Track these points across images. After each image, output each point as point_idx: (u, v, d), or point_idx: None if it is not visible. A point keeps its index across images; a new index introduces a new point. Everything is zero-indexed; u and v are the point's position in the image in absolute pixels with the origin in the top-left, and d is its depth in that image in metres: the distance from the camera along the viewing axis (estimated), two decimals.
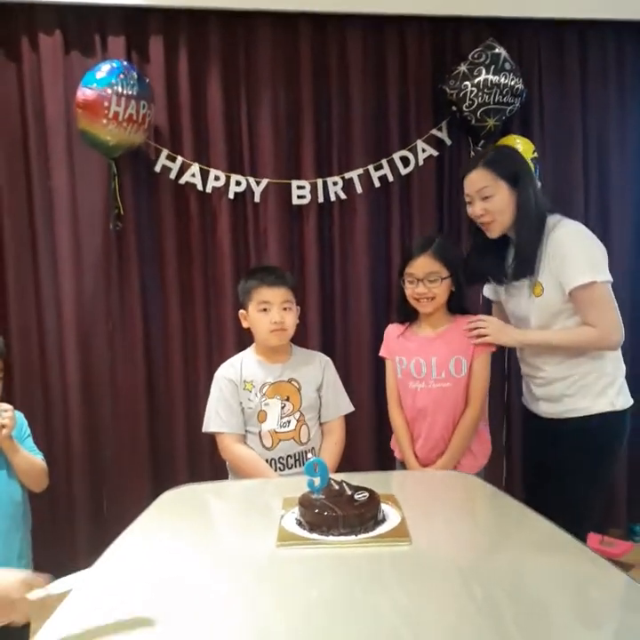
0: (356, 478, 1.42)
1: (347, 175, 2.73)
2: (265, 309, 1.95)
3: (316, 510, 1.29)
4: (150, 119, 2.52)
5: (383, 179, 2.76)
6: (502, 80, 2.60)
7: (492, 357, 2.01)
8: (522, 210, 1.90)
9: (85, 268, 2.65)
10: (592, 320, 1.82)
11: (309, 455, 1.83)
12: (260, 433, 1.94)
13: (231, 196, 2.67)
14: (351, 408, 2.09)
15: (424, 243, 1.97)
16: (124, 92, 2.38)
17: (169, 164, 2.63)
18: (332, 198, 2.73)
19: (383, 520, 1.32)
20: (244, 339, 2.12)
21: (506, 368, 2.87)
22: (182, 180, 2.65)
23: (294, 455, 1.95)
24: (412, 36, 2.76)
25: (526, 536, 1.35)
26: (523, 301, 1.95)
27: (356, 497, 1.32)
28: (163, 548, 1.16)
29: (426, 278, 1.93)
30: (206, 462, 2.64)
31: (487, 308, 2.24)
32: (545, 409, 1.99)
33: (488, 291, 2.16)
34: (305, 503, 1.32)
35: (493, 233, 1.95)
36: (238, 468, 1.94)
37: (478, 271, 2.05)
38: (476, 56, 2.63)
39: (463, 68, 2.63)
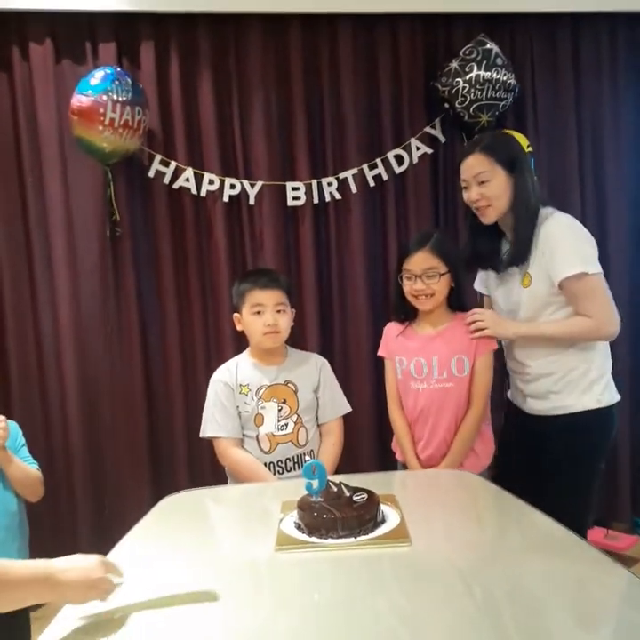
0: (355, 479, 1.41)
1: (341, 175, 2.72)
2: (258, 312, 1.94)
3: (315, 513, 1.28)
4: (145, 125, 2.51)
5: (378, 178, 2.75)
6: (494, 76, 2.59)
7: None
8: (519, 195, 1.89)
9: (81, 275, 2.64)
10: (587, 310, 1.81)
11: (307, 458, 1.82)
12: (257, 437, 1.93)
13: (226, 199, 2.66)
14: (349, 408, 2.08)
15: (421, 238, 1.93)
16: (120, 98, 2.38)
17: (162, 168, 2.63)
18: (327, 199, 2.72)
19: (383, 521, 1.31)
20: (242, 342, 2.12)
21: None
22: (176, 185, 2.64)
23: (293, 458, 1.94)
24: (404, 34, 2.75)
25: (527, 535, 1.34)
26: (513, 292, 1.94)
27: (354, 499, 1.32)
28: (162, 554, 1.16)
29: (424, 274, 1.89)
30: (207, 467, 2.63)
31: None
32: (531, 406, 1.97)
33: (479, 284, 2.14)
34: (303, 506, 1.31)
35: (488, 218, 1.94)
36: (236, 472, 1.93)
37: (476, 255, 2.03)
38: (467, 52, 2.62)
39: (455, 64, 2.62)
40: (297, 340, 2.37)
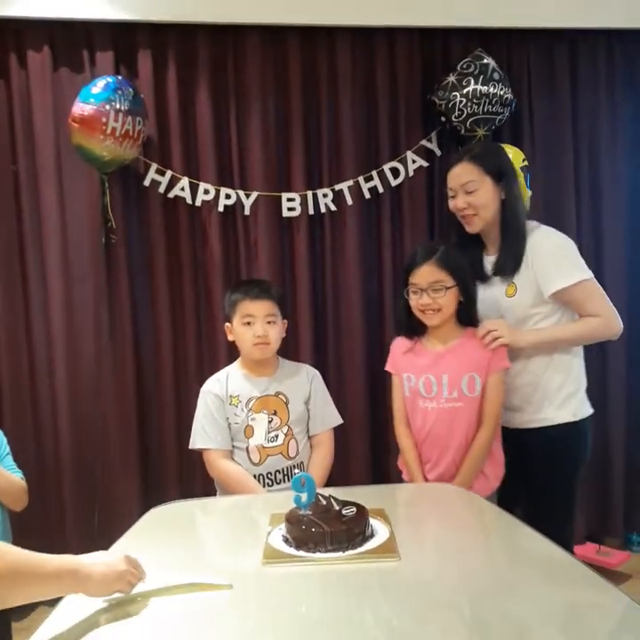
0: (344, 492, 1.40)
1: (337, 187, 2.72)
2: (248, 323, 1.93)
3: (303, 526, 1.26)
4: (144, 135, 2.52)
5: (373, 190, 2.75)
6: (491, 90, 2.60)
7: None
8: (507, 206, 1.91)
9: (75, 282, 2.63)
10: (593, 311, 1.86)
11: (297, 471, 1.80)
12: (247, 448, 1.91)
13: (221, 209, 2.66)
14: (340, 420, 2.06)
15: (428, 250, 1.86)
16: (122, 107, 2.38)
17: (158, 177, 2.62)
18: (323, 210, 2.72)
19: (372, 535, 1.30)
20: (235, 352, 2.10)
21: None
22: (171, 194, 2.64)
23: (282, 470, 1.92)
24: (401, 48, 2.76)
25: (518, 552, 1.32)
26: (495, 301, 1.95)
27: (343, 512, 1.30)
28: (148, 565, 1.14)
29: (430, 288, 1.82)
30: (198, 477, 2.60)
31: None
32: (508, 418, 1.97)
33: None
34: (292, 519, 1.30)
35: (474, 227, 1.95)
36: (225, 484, 1.91)
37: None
38: (464, 66, 2.63)
39: (452, 78, 2.63)
40: (290, 351, 2.36)
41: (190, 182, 2.64)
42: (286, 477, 1.92)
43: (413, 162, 2.76)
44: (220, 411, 1.93)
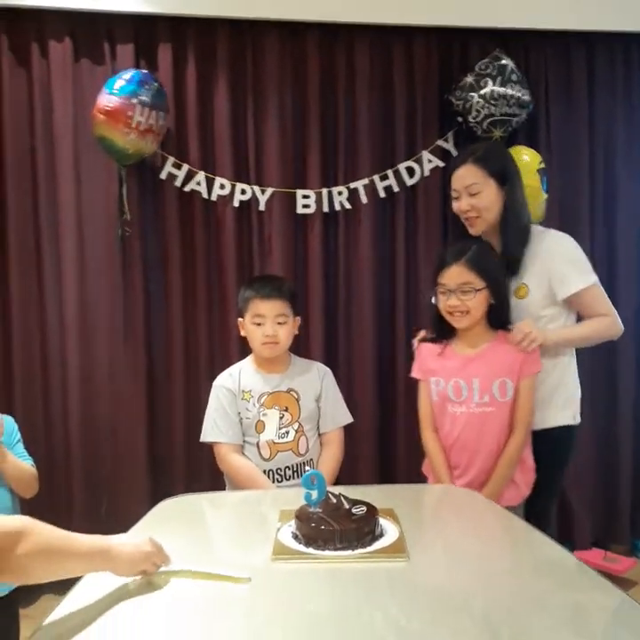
0: (354, 491, 1.40)
1: (352, 185, 2.72)
2: (259, 323, 1.94)
3: (313, 524, 1.27)
4: (164, 129, 2.52)
5: (388, 189, 2.75)
6: (509, 91, 2.59)
7: None
8: (510, 208, 1.91)
9: (89, 274, 2.64)
10: (604, 310, 1.91)
11: (307, 468, 1.81)
12: (257, 443, 1.93)
13: (236, 204, 2.67)
14: (350, 419, 2.07)
15: (458, 251, 1.82)
16: (147, 102, 2.39)
17: (175, 171, 2.63)
18: (337, 208, 2.72)
19: (381, 535, 1.30)
20: (247, 347, 2.11)
21: None
22: (188, 188, 2.65)
23: (292, 466, 1.93)
24: (420, 47, 2.75)
25: (527, 555, 1.33)
26: None
27: (353, 511, 1.31)
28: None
29: (458, 289, 1.77)
30: (205, 471, 2.61)
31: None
32: None
33: None
34: (301, 516, 1.31)
35: (476, 229, 1.95)
36: (235, 478, 1.93)
37: None
38: (482, 67, 2.62)
39: (470, 79, 2.62)
40: (301, 348, 2.36)
41: (206, 177, 2.64)
42: (296, 474, 1.93)
43: (429, 162, 2.76)
44: (232, 405, 1.95)
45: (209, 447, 2.04)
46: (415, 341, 2.01)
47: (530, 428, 1.85)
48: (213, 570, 1.15)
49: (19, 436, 1.77)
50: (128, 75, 2.39)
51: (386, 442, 2.81)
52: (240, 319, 2.03)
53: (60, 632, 0.98)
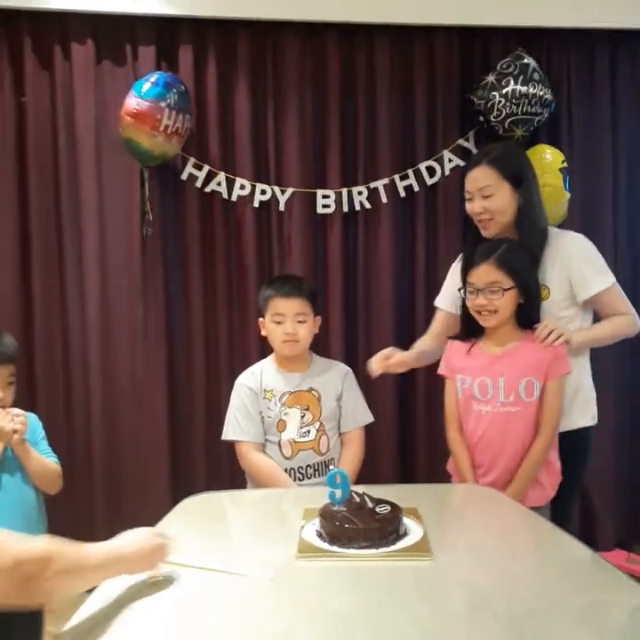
0: (377, 491, 1.40)
1: (372, 185, 2.72)
2: (279, 322, 1.95)
3: (337, 522, 1.27)
4: (188, 131, 2.54)
5: (409, 189, 2.74)
6: (531, 90, 2.57)
7: None
8: (526, 211, 1.89)
9: (110, 274, 2.67)
10: (624, 309, 1.92)
11: (331, 467, 1.81)
12: (279, 442, 1.93)
13: (256, 204, 2.68)
14: (371, 418, 2.07)
15: (487, 249, 1.80)
16: (175, 105, 2.41)
17: (195, 172, 2.65)
18: (357, 208, 2.73)
19: (405, 534, 1.30)
20: (266, 346, 2.12)
21: None
22: (208, 189, 2.66)
23: (313, 465, 1.94)
24: (441, 47, 2.75)
25: (552, 555, 1.32)
26: None
27: (377, 510, 1.31)
28: (183, 554, 1.17)
29: (486, 288, 1.75)
30: (225, 469, 2.63)
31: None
32: None
33: (446, 301, 2.07)
34: (325, 515, 1.31)
35: (489, 232, 1.93)
36: (257, 476, 1.94)
37: None
38: (504, 66, 2.61)
39: (491, 78, 2.61)
40: (321, 347, 2.37)
41: (227, 177, 2.66)
42: (317, 473, 1.93)
43: (450, 161, 2.75)
44: (254, 404, 1.96)
45: (229, 446, 2.05)
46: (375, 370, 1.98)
47: (556, 430, 1.83)
48: (236, 570, 1.15)
49: (43, 433, 1.80)
50: (154, 77, 2.41)
51: (406, 441, 2.81)
52: (260, 319, 2.04)
53: (86, 628, 0.99)
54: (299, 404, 1.94)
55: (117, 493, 2.69)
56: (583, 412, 1.96)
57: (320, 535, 1.30)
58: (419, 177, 2.74)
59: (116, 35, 2.60)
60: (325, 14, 2.64)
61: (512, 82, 2.58)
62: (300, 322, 1.96)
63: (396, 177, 2.73)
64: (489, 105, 2.60)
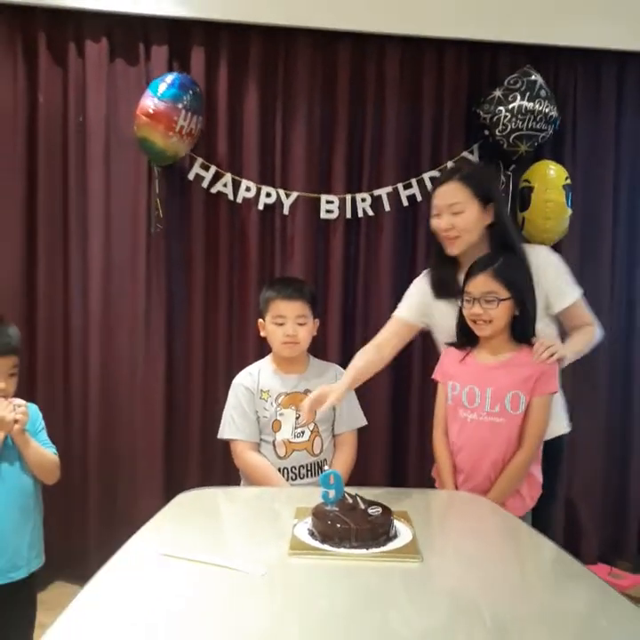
0: (369, 493, 1.43)
1: (376, 192, 2.76)
2: (280, 324, 1.98)
3: (329, 522, 1.30)
4: (199, 132, 2.58)
5: (412, 198, 2.78)
6: (537, 107, 2.61)
7: None
8: (499, 230, 1.90)
9: (114, 271, 2.69)
10: (590, 320, 1.96)
11: (326, 467, 1.84)
12: (274, 442, 1.96)
13: (261, 206, 2.71)
14: (364, 422, 2.10)
15: (486, 260, 1.81)
16: (191, 106, 2.44)
17: (202, 172, 2.68)
18: (360, 214, 2.76)
19: (395, 536, 1.32)
20: (264, 348, 2.15)
21: None
22: (214, 189, 2.69)
23: (306, 466, 1.97)
24: (450, 60, 2.79)
25: (537, 561, 1.35)
26: None
27: (369, 511, 1.33)
28: (176, 549, 1.19)
29: (482, 298, 1.77)
30: (218, 467, 2.66)
31: None
32: None
33: (406, 312, 2.05)
34: (318, 514, 1.33)
35: (454, 249, 1.91)
36: (251, 475, 1.96)
37: (439, 284, 1.99)
38: (511, 82, 2.65)
39: (498, 93, 2.65)
40: (318, 350, 2.39)
41: (233, 179, 2.69)
42: (310, 473, 1.96)
43: None
44: (251, 404, 1.99)
45: (223, 444, 2.08)
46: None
47: (539, 445, 1.84)
48: (228, 564, 1.17)
49: (42, 424, 1.82)
50: (170, 78, 2.44)
51: (398, 446, 2.83)
52: (260, 320, 2.07)
53: (80, 624, 1.00)
54: (294, 404, 1.97)
55: (112, 485, 2.71)
56: (561, 419, 1.98)
57: (312, 534, 1.32)
58: (422, 186, 2.77)
59: (130, 34, 2.64)
60: (337, 23, 2.67)
61: (519, 97, 2.62)
62: (300, 324, 1.99)
63: (400, 185, 2.76)
64: (494, 119, 2.63)
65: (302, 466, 1.97)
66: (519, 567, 1.32)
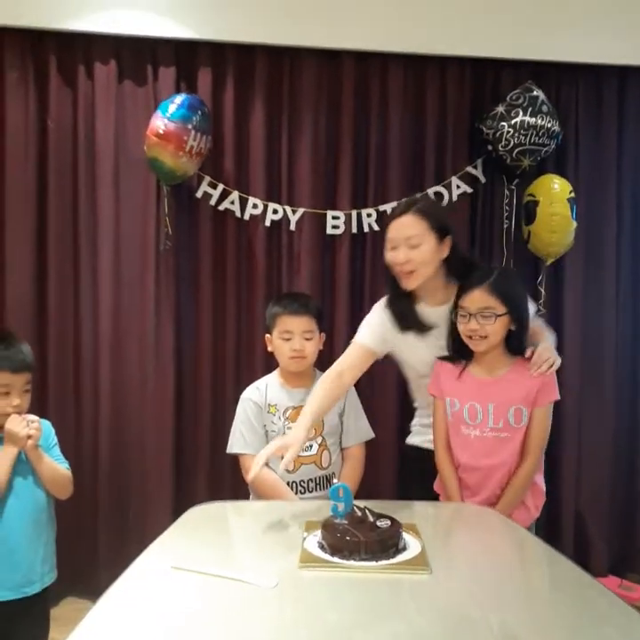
0: (378, 506, 1.44)
1: (381, 207, 2.79)
2: (287, 339, 2.00)
3: (339, 534, 1.31)
4: (207, 152, 2.62)
5: None
6: (539, 122, 2.64)
7: None
8: (455, 262, 1.88)
9: (124, 286, 2.73)
10: (541, 333, 1.90)
11: (335, 480, 1.85)
12: (282, 456, 1.96)
13: (268, 223, 2.75)
14: (372, 435, 2.11)
15: (482, 275, 1.78)
16: (200, 127, 2.48)
17: (210, 190, 2.72)
18: (366, 230, 2.79)
19: (404, 548, 1.33)
20: (272, 362, 2.17)
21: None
22: (222, 207, 2.73)
23: (315, 479, 1.98)
24: (452, 76, 2.83)
25: (546, 573, 1.35)
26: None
27: (378, 524, 1.34)
28: (187, 563, 1.20)
29: (479, 314, 1.74)
30: (228, 481, 2.67)
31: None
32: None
33: (373, 339, 1.96)
34: (328, 527, 1.34)
35: (410, 284, 1.86)
36: (259, 489, 1.97)
37: (398, 316, 1.94)
38: (514, 97, 2.69)
39: (501, 108, 2.69)
40: (325, 364, 2.40)
41: (240, 196, 2.73)
42: (318, 486, 1.97)
43: (458, 187, 2.82)
44: (259, 418, 2.00)
45: (232, 458, 2.10)
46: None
47: (542, 455, 1.83)
48: (239, 577, 1.18)
49: (55, 440, 1.84)
50: (179, 99, 2.49)
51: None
52: (268, 335, 2.10)
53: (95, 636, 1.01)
54: None
55: (122, 501, 2.73)
56: None
57: (322, 546, 1.33)
58: None
59: (138, 56, 2.69)
60: (341, 42, 2.72)
61: (521, 113, 2.65)
62: (306, 339, 2.01)
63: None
64: (497, 134, 2.67)
65: (311, 479, 1.98)
66: (528, 579, 1.33)
